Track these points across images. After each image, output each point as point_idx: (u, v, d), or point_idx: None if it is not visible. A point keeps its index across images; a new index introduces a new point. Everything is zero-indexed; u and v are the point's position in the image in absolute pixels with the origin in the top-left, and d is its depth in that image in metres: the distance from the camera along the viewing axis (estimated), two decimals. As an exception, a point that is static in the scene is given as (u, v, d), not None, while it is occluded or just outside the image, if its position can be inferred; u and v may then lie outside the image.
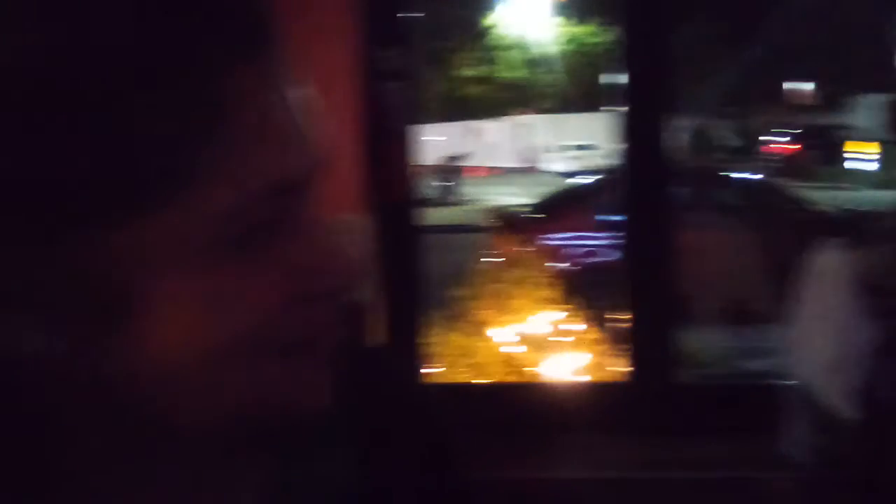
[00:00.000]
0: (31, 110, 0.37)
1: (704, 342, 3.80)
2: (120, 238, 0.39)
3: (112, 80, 0.38)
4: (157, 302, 0.41)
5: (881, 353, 1.67)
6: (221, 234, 0.41)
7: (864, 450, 1.83)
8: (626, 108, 2.49)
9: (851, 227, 1.86)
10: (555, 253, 5.20)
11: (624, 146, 2.51)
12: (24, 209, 0.38)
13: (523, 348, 3.30)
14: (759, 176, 7.62)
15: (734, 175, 6.95)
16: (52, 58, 0.37)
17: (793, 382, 2.04)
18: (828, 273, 1.83)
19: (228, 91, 0.40)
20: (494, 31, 17.45)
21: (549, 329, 3.44)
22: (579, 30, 17.11)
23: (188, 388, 0.43)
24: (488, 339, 3.33)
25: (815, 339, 1.84)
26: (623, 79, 2.49)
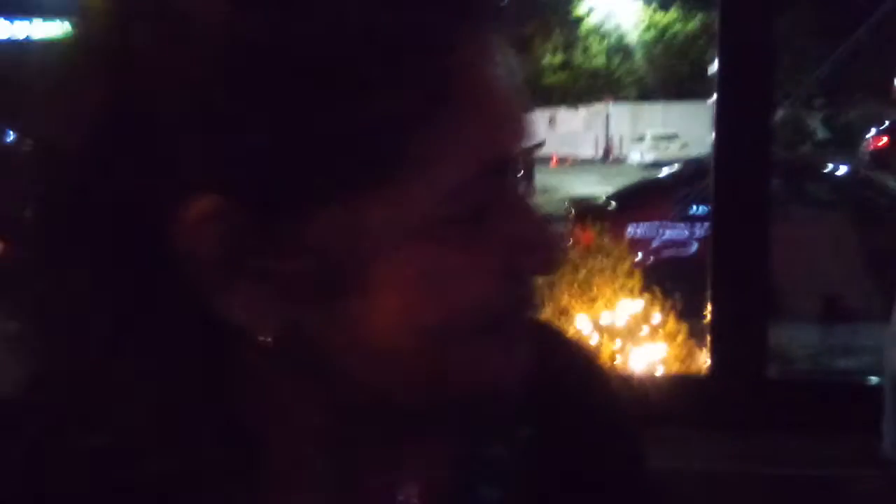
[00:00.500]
0: (292, 88, 0.38)
1: (796, 338, 3.71)
2: (349, 214, 0.40)
3: (360, 58, 0.38)
4: (379, 279, 0.41)
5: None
6: (443, 212, 0.41)
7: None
8: (717, 98, 2.45)
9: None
10: (635, 243, 5.15)
11: (715, 137, 2.47)
12: (270, 183, 0.39)
13: (604, 338, 3.29)
14: (856, 169, 7.33)
15: (829, 168, 6.71)
16: (314, 38, 0.38)
17: (888, 380, 1.99)
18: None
19: (454, 67, 0.40)
20: (575, 17, 17.20)
21: (630, 320, 3.42)
22: (662, 17, 16.71)
23: (404, 364, 0.43)
24: (569, 329, 3.34)
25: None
26: (711, 68, 2.45)
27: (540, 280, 0.48)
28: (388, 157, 0.39)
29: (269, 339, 0.42)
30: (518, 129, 0.44)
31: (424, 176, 0.40)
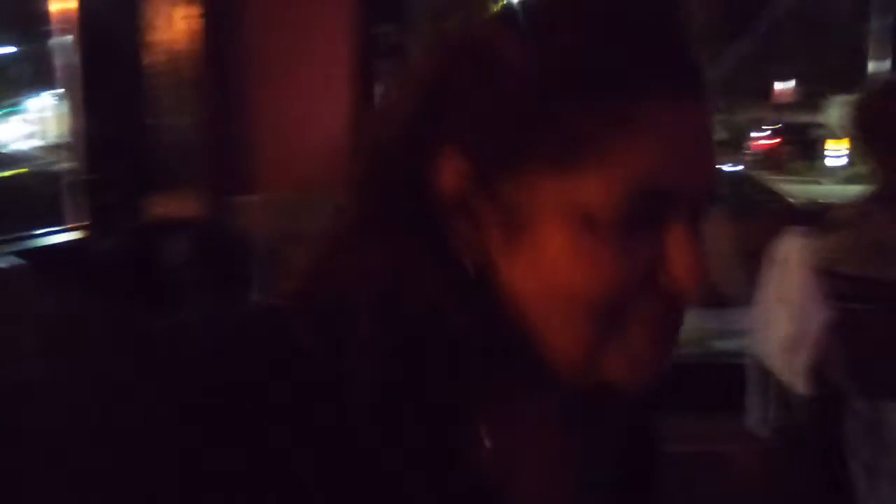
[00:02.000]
0: (536, 96, 0.51)
1: (686, 325, 3.92)
2: (540, 185, 0.51)
3: (582, 79, 0.51)
4: (548, 244, 0.51)
5: (832, 333, 1.80)
6: (612, 210, 0.50)
7: (817, 423, 1.97)
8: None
9: (814, 217, 1.99)
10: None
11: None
12: (498, 151, 0.52)
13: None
14: (741, 168, 7.75)
15: (726, 167, 7.08)
16: (558, 62, 0.51)
17: (755, 361, 2.18)
18: (788, 259, 1.97)
19: (647, 104, 0.50)
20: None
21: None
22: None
23: (554, 327, 0.52)
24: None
25: (774, 321, 1.98)
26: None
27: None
28: (572, 152, 0.50)
29: (472, 269, 0.53)
30: (692, 172, 0.52)
31: (600, 176, 0.50)
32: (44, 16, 2.70)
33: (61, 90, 2.77)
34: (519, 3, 0.55)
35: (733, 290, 3.89)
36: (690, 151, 0.52)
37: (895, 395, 1.70)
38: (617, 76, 0.50)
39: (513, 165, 0.51)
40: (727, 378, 2.42)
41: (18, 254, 2.23)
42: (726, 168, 6.99)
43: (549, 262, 0.51)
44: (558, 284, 0.51)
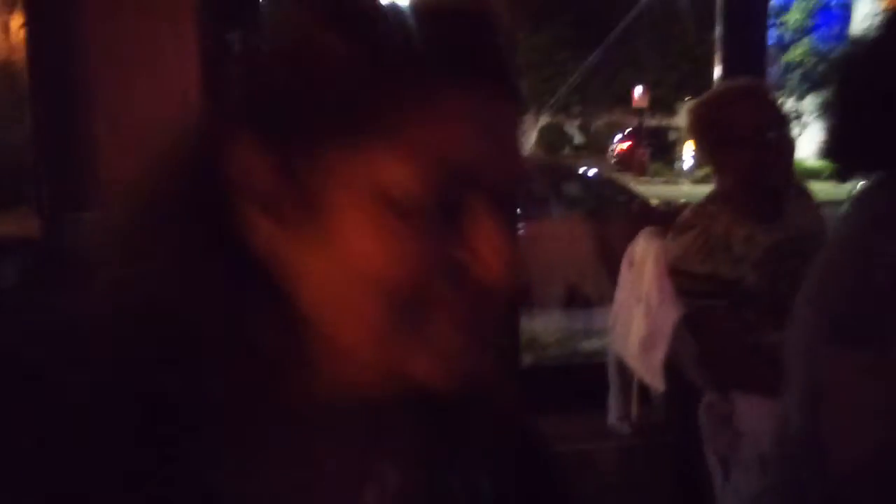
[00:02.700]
0: (321, 84, 0.50)
1: (549, 326, 4.03)
2: (330, 163, 0.49)
3: (377, 71, 0.49)
4: (343, 224, 0.49)
5: (683, 331, 1.86)
6: (404, 191, 0.48)
7: (671, 418, 2.03)
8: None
9: (668, 218, 2.05)
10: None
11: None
12: (287, 130, 0.50)
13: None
14: (602, 172, 8.07)
15: (581, 170, 7.34)
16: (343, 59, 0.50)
17: (614, 359, 2.23)
18: (641, 260, 2.02)
19: (436, 94, 0.49)
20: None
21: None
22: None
23: (349, 315, 0.50)
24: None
25: (630, 320, 2.03)
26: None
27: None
28: (372, 133, 0.49)
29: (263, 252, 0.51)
30: (498, 161, 0.51)
31: (402, 157, 0.49)
32: None
33: None
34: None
35: (597, 291, 4.03)
36: (496, 140, 0.51)
37: (743, 386, 1.76)
38: (420, 58, 0.49)
39: (311, 148, 0.50)
40: (592, 378, 2.46)
41: None
42: (587, 171, 7.24)
43: (348, 247, 0.49)
44: (356, 271, 0.49)
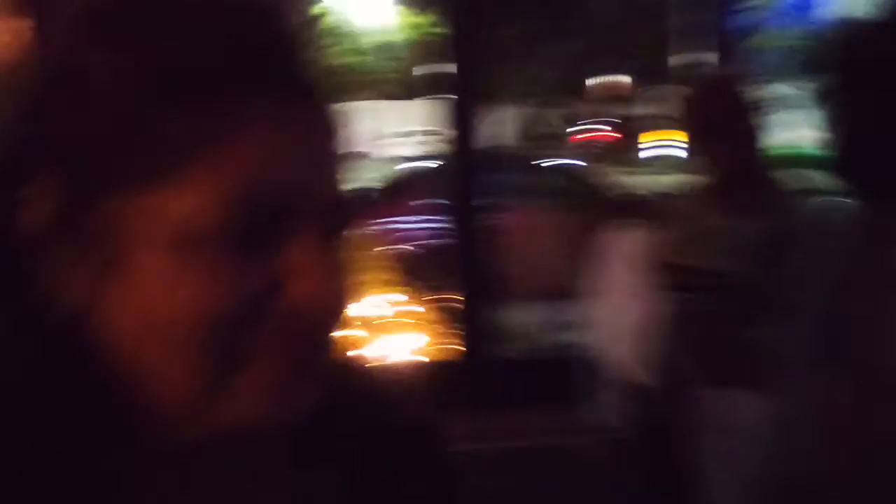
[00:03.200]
0: (105, 110, 0.46)
1: (524, 318, 4.02)
2: (124, 209, 0.46)
3: (152, 93, 0.46)
4: (137, 272, 0.46)
5: (671, 323, 1.86)
6: (198, 229, 0.45)
7: (658, 412, 2.03)
8: (451, 97, 2.60)
9: (641, 208, 2.04)
10: (388, 236, 5.28)
11: (451, 133, 2.61)
12: (83, 173, 0.46)
13: (361, 330, 3.36)
14: (572, 162, 8.07)
15: (549, 161, 7.30)
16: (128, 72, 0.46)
17: (595, 353, 2.22)
18: (623, 252, 2.01)
19: (226, 116, 0.46)
20: (330, 15, 17.17)
21: (387, 310, 3.51)
22: (419, 19, 17.20)
23: (157, 365, 0.47)
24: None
25: (611, 314, 2.02)
26: (451, 70, 2.59)
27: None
28: (159, 167, 0.46)
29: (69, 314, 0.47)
30: (305, 181, 0.48)
31: (188, 191, 0.45)
32: None
33: None
34: (99, 13, 0.49)
35: (558, 283, 4.03)
36: (299, 159, 0.48)
37: (737, 381, 1.76)
38: (201, 82, 0.46)
39: (102, 188, 0.46)
40: (560, 372, 2.43)
41: None
42: (547, 162, 7.23)
43: (147, 290, 0.46)
44: (158, 315, 0.46)
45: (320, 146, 0.49)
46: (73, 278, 0.47)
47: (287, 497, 0.55)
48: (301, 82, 0.49)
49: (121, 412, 0.48)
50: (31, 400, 0.46)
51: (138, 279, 0.46)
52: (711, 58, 4.63)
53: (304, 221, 0.47)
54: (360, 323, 3.38)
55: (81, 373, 0.47)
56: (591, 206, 5.27)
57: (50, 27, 0.50)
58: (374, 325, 3.43)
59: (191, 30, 0.47)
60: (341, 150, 0.50)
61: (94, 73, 0.46)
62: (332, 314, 0.49)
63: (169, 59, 0.46)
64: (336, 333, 0.50)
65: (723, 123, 1.83)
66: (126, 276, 0.46)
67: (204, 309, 0.45)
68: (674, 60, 6.90)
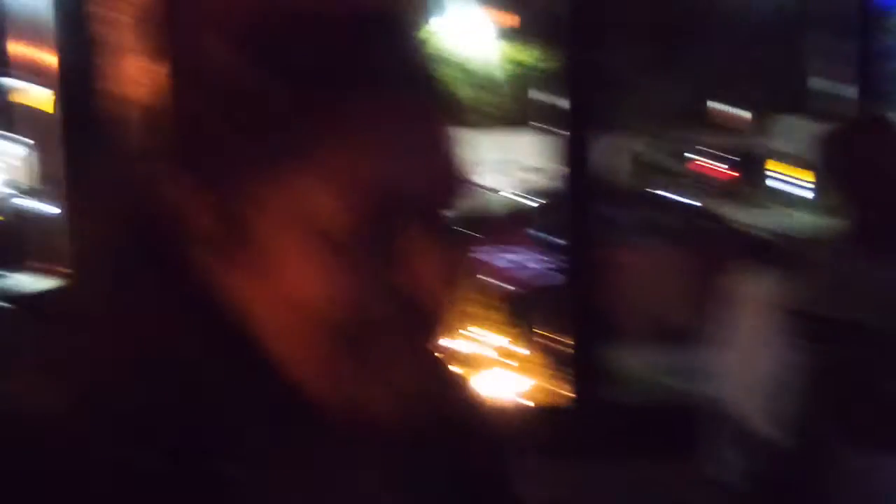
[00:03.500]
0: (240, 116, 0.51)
1: (641, 362, 3.87)
2: (263, 196, 0.50)
3: (284, 95, 0.50)
4: (276, 257, 0.50)
5: (803, 377, 1.72)
6: (331, 222, 0.49)
7: (788, 471, 1.88)
8: (561, 130, 2.54)
9: (777, 251, 1.93)
10: (492, 272, 5.22)
11: (562, 167, 2.55)
12: (223, 169, 0.50)
13: (460, 368, 3.31)
14: (692, 198, 7.82)
15: (667, 196, 7.10)
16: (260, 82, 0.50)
17: (720, 405, 2.09)
18: (752, 297, 1.88)
19: (349, 117, 0.50)
20: (437, 47, 17.57)
21: (491, 351, 3.46)
22: (521, 51, 17.42)
23: (285, 343, 0.51)
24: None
25: (739, 363, 1.90)
26: (561, 101, 2.54)
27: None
28: (292, 165, 0.49)
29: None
30: (424, 180, 0.51)
31: (318, 185, 0.49)
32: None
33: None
34: (235, 23, 0.52)
35: (674, 327, 3.85)
36: (422, 157, 0.51)
37: (881, 442, 1.62)
38: (333, 87, 0.50)
39: (242, 185, 0.50)
40: (675, 420, 2.33)
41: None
42: (663, 197, 7.03)
43: (286, 281, 0.50)
44: (296, 304, 0.50)
45: (438, 145, 0.52)
46: (221, 269, 0.51)
47: (395, 488, 0.58)
48: (422, 86, 0.53)
49: (268, 390, 0.51)
50: (191, 379, 0.50)
51: (278, 271, 0.50)
52: (848, 89, 4.30)
53: (420, 210, 0.51)
54: (464, 361, 3.33)
55: (235, 354, 0.51)
56: (713, 245, 5.07)
57: (185, 41, 0.53)
58: (477, 364, 3.37)
59: (315, 35, 0.50)
60: (456, 151, 0.53)
61: (237, 80, 0.50)
62: (445, 298, 0.52)
63: (303, 66, 0.50)
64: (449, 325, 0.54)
65: (871, 166, 1.72)
66: (268, 268, 0.50)
67: (336, 300, 0.49)
68: (805, 90, 6.55)
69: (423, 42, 0.54)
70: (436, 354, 0.55)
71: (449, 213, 0.53)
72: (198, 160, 0.51)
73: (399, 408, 0.52)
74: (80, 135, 2.47)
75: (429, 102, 0.53)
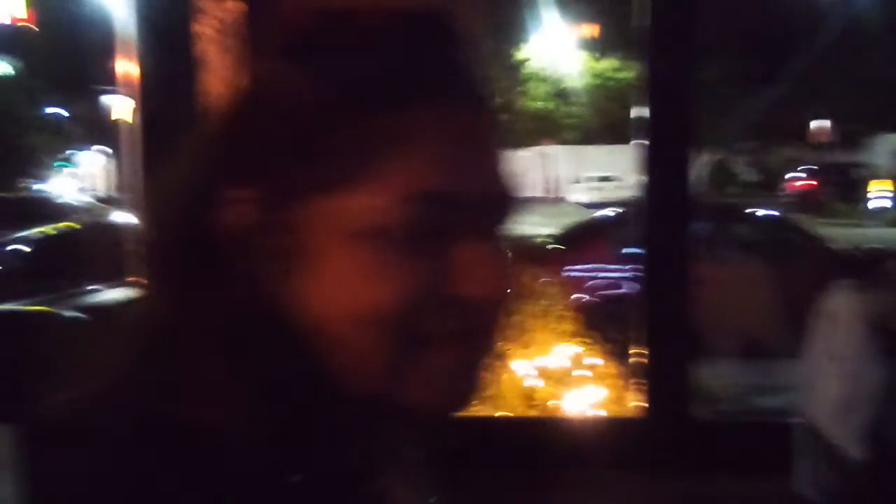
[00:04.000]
0: (292, 130, 0.52)
1: (721, 378, 3.79)
2: (313, 210, 0.51)
3: (332, 109, 0.51)
4: (328, 265, 0.51)
5: (890, 395, 1.68)
6: (382, 224, 0.50)
7: (873, 489, 1.83)
8: (647, 142, 2.53)
9: (866, 266, 1.88)
10: (576, 285, 5.20)
11: (645, 179, 2.54)
12: (273, 181, 0.52)
13: (542, 381, 3.31)
14: (779, 212, 7.58)
15: (754, 210, 6.93)
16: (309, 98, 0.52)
17: (804, 421, 2.05)
18: (841, 313, 1.85)
19: (399, 121, 0.50)
20: (516, 61, 17.56)
21: (568, 362, 3.45)
22: (603, 64, 17.22)
23: (344, 352, 0.51)
24: (508, 372, 3.35)
25: (826, 379, 1.86)
26: (645, 113, 2.53)
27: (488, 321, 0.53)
28: (342, 173, 0.50)
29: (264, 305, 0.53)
30: (473, 180, 0.51)
31: (368, 192, 0.50)
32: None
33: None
34: (293, 36, 0.54)
35: (776, 342, 3.76)
36: (469, 159, 0.51)
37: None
38: (379, 93, 0.50)
39: (291, 194, 0.51)
40: (768, 437, 2.30)
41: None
42: (759, 211, 6.83)
43: (337, 283, 0.50)
44: (343, 306, 0.50)
45: (486, 150, 0.53)
46: (271, 273, 0.52)
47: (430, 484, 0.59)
48: (469, 92, 0.53)
49: (319, 388, 0.52)
50: (241, 376, 0.50)
51: (330, 273, 0.51)
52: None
53: (473, 218, 0.51)
54: (540, 374, 3.33)
55: (286, 353, 0.51)
56: (809, 259, 4.92)
57: (249, 57, 0.56)
58: (554, 377, 3.37)
59: (370, 47, 0.51)
60: (504, 154, 0.54)
61: (279, 91, 0.51)
62: (500, 305, 0.53)
63: (349, 74, 0.51)
64: (502, 326, 0.54)
65: None
66: (319, 271, 0.51)
67: (385, 298, 0.49)
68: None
69: (477, 56, 0.55)
70: (492, 347, 0.54)
71: (504, 225, 0.54)
72: (261, 172, 0.52)
73: (451, 412, 0.53)
74: (157, 145, 2.60)
75: (483, 115, 0.53)
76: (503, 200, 0.54)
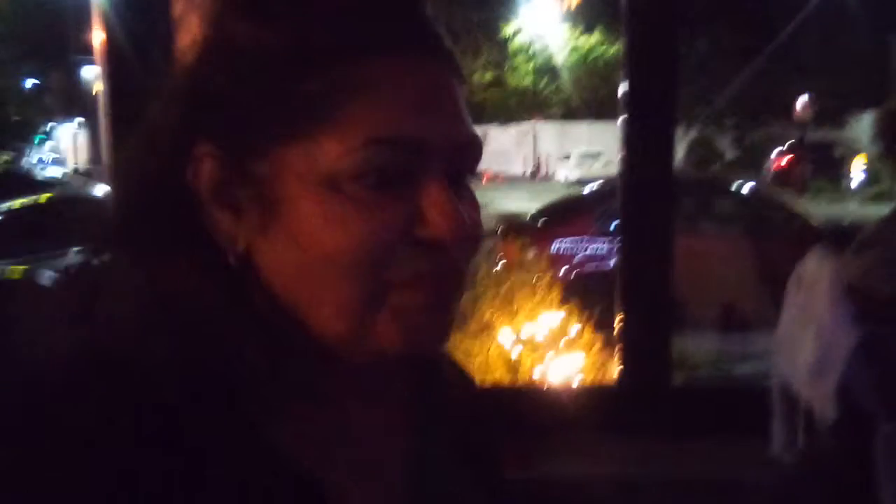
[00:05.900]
0: (255, 77, 0.52)
1: (699, 346, 3.88)
2: (282, 159, 0.52)
3: (296, 56, 0.52)
4: (298, 214, 0.51)
5: (860, 356, 1.73)
6: (350, 170, 0.51)
7: (844, 450, 1.89)
8: (627, 117, 2.56)
9: (838, 236, 1.92)
10: (563, 258, 5.26)
11: (624, 154, 2.57)
12: (238, 133, 0.52)
13: (525, 350, 3.37)
14: (757, 186, 7.67)
15: (732, 185, 7.03)
16: (270, 44, 0.52)
17: (779, 383, 2.10)
18: (816, 279, 1.89)
19: (365, 65, 0.51)
20: (503, 37, 17.44)
21: (552, 333, 3.50)
22: (587, 40, 17.12)
23: (316, 295, 0.52)
24: (491, 342, 3.40)
25: (799, 343, 1.91)
26: (630, 89, 2.55)
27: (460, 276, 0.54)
28: (307, 121, 0.51)
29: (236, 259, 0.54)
30: (436, 125, 0.52)
31: (334, 139, 0.51)
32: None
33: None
34: None
35: (754, 313, 3.84)
36: (430, 105, 0.52)
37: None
38: (340, 43, 0.51)
39: (258, 145, 0.52)
40: (748, 402, 2.35)
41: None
42: (741, 187, 6.91)
43: (303, 232, 0.51)
44: (314, 253, 0.50)
45: (449, 95, 0.54)
46: (239, 224, 0.53)
47: (408, 429, 0.60)
48: (430, 39, 0.53)
49: (289, 337, 0.53)
50: (216, 330, 0.52)
51: (296, 221, 0.51)
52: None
53: (439, 162, 0.52)
54: (523, 344, 3.38)
55: (256, 305, 0.53)
56: (788, 234, 4.99)
57: (203, 11, 0.56)
58: (539, 347, 3.42)
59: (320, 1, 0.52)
60: (467, 99, 0.55)
61: (242, 44, 0.52)
62: (469, 247, 0.53)
63: (308, 25, 0.51)
64: (471, 268, 0.55)
65: None
66: (285, 221, 0.51)
67: (353, 243, 0.50)
68: (890, 84, 6.36)
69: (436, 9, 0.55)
70: (463, 288, 0.55)
71: (472, 171, 0.55)
72: (226, 124, 0.52)
73: (424, 354, 0.55)
74: (125, 109, 2.58)
75: (447, 66, 0.54)
76: (470, 146, 0.54)
